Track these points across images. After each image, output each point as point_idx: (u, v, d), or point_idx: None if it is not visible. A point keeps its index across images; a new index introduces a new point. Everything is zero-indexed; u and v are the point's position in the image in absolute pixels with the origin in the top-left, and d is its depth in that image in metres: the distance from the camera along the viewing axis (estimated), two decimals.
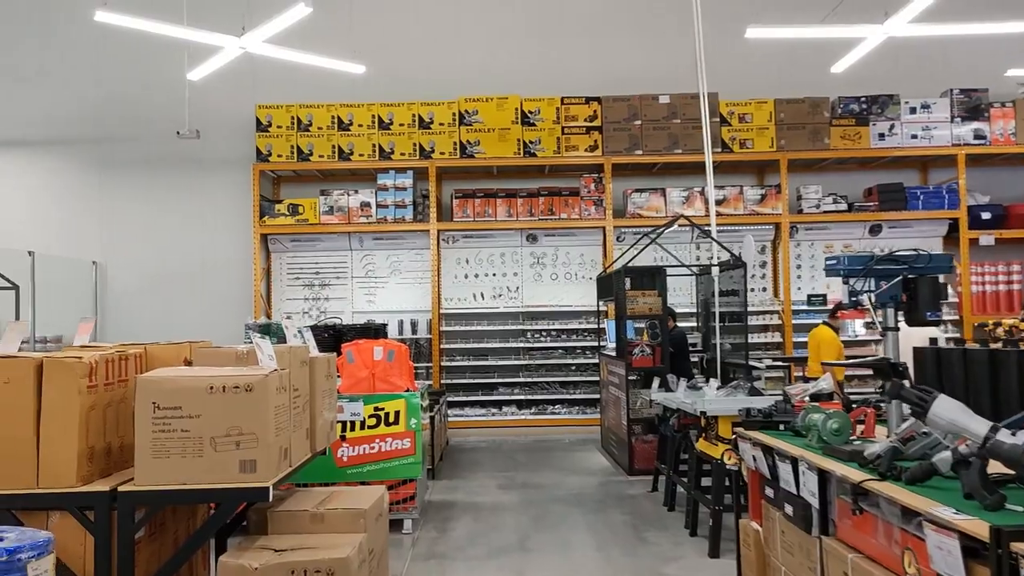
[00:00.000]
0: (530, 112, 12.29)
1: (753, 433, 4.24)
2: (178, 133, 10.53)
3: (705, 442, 5.77)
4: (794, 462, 3.71)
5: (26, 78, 12.87)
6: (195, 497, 3.49)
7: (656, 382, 7.30)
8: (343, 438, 6.06)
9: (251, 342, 4.12)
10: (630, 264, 8.67)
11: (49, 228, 12.94)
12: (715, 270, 8.58)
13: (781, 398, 4.47)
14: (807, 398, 4.47)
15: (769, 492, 4.14)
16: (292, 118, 12.25)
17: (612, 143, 12.26)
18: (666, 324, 8.41)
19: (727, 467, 5.30)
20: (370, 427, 6.08)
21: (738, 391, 5.66)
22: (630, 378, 8.48)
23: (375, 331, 8.66)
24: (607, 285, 9.68)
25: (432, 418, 8.29)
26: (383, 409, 6.09)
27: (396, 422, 6.10)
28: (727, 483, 5.46)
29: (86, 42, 12.66)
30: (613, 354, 9.39)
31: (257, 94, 12.33)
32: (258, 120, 12.25)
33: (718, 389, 5.71)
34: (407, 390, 6.19)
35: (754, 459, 4.16)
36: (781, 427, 4.22)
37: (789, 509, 3.85)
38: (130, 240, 12.98)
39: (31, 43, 12.90)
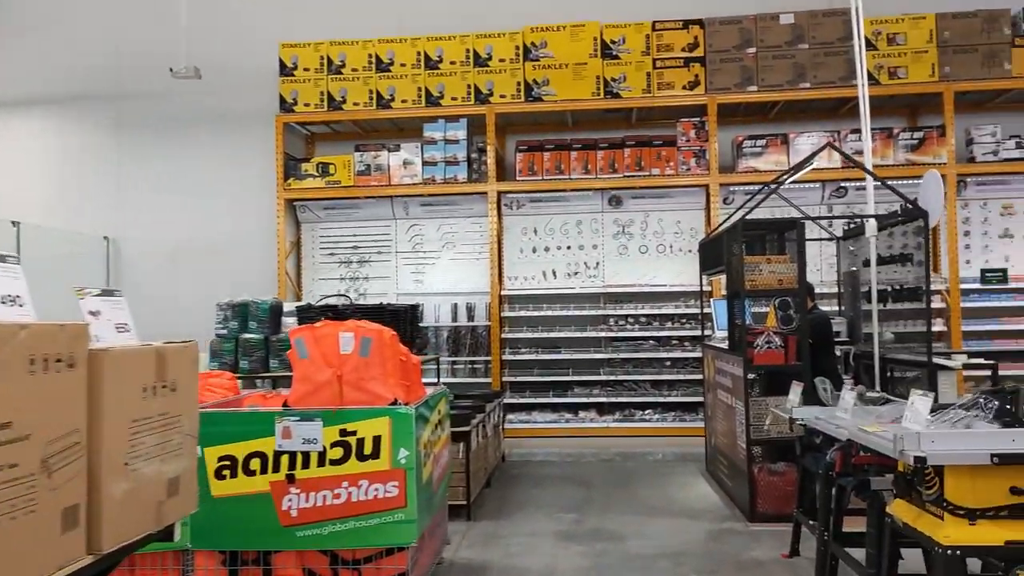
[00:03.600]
0: (612, 42, 9.75)
1: None
2: (171, 70, 8.52)
3: (909, 506, 3.21)
4: None
5: (29, 28, 11.19)
6: None
7: (795, 388, 4.72)
8: (291, 478, 3.77)
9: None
10: (748, 218, 6.05)
11: (54, 198, 11.25)
12: (871, 225, 5.87)
13: None
14: None
15: None
16: (321, 58, 10.09)
17: (718, 78, 9.60)
18: (804, 303, 5.78)
19: (959, 562, 2.75)
20: (334, 462, 3.77)
21: (975, 414, 3.06)
22: (749, 376, 5.88)
23: (394, 313, 6.38)
24: (714, 252, 7.11)
25: (468, 433, 5.94)
26: (354, 433, 3.76)
27: (375, 454, 3.77)
28: None
29: None
30: (723, 346, 6.82)
31: (282, 30, 10.25)
32: (281, 62, 10.16)
33: (933, 411, 3.11)
34: (395, 401, 3.84)
35: None
36: None
37: None
38: (145, 212, 11.14)
39: None
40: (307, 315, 6.02)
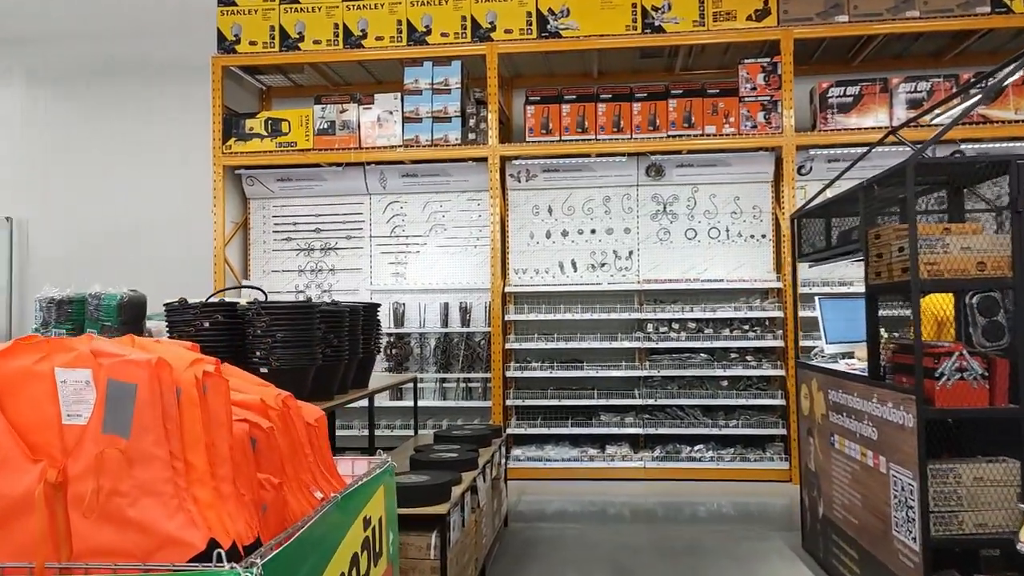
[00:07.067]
0: None
1: None
2: None
3: None
4: None
5: None
6: None
7: None
8: None
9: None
10: (925, 158, 3.57)
11: None
12: None
13: None
14: None
15: None
16: None
17: (795, 5, 7.21)
18: None
19: None
20: None
21: None
22: (902, 428, 3.50)
23: (334, 317, 4.02)
24: (825, 226, 4.72)
25: (444, 518, 3.56)
26: None
27: None
28: None
29: None
30: (843, 368, 4.42)
31: None
32: None
33: None
34: (210, 548, 1.46)
35: None
36: None
37: None
38: (57, 186, 8.82)
39: None
40: (180, 319, 3.65)
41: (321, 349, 3.85)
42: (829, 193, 5.03)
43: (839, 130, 7.19)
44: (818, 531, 4.90)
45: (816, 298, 4.88)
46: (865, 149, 5.61)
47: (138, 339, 1.58)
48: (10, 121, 8.87)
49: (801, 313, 6.43)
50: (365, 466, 2.57)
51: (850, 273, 7.33)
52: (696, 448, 7.41)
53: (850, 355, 4.79)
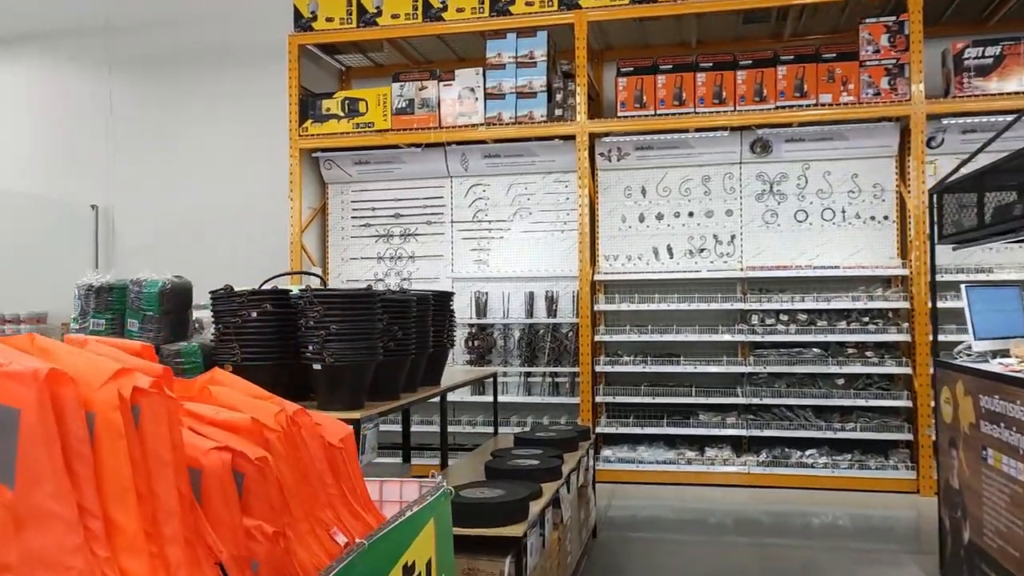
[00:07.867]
0: None
1: None
2: None
3: None
4: None
5: None
6: None
7: None
8: None
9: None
10: None
11: (29, 159, 9.00)
12: None
13: None
14: None
15: None
16: None
17: None
18: None
19: None
20: None
21: None
22: None
23: (398, 307, 3.57)
24: (967, 200, 3.98)
25: (521, 541, 3.06)
26: None
27: None
28: None
29: None
30: (1003, 371, 3.69)
31: None
32: None
33: None
34: None
35: None
36: None
37: None
38: (142, 173, 8.75)
39: None
40: (226, 308, 3.26)
41: (383, 342, 3.40)
42: (964, 171, 4.28)
43: (977, 96, 6.31)
44: (962, 558, 4.16)
45: (962, 286, 4.13)
46: (1013, 116, 4.80)
47: (40, 339, 1.13)
48: (94, 110, 8.84)
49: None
50: (416, 490, 2.08)
51: (989, 258, 6.45)
52: (808, 453, 6.69)
53: (1004, 353, 4.04)
